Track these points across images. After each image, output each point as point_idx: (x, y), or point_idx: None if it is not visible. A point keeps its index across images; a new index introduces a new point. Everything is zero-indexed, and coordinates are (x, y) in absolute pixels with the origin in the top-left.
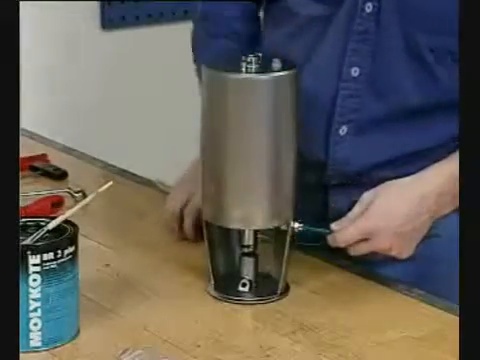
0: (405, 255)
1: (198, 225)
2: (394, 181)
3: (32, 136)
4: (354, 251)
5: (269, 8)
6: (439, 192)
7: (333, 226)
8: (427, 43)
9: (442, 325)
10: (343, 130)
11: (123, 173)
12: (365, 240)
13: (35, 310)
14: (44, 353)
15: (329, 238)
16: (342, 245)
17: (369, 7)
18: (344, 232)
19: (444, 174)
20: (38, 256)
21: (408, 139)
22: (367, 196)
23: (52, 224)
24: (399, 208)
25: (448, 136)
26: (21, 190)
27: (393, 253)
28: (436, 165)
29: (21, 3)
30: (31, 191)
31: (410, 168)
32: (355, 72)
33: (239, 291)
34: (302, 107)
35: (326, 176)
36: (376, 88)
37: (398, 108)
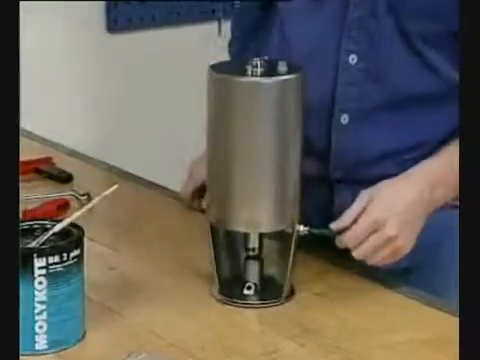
0: (408, 246)
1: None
2: (390, 179)
3: (37, 139)
4: (362, 251)
5: None
6: (432, 185)
7: (332, 226)
8: (417, 30)
9: (447, 328)
10: (345, 119)
11: (128, 176)
12: (373, 233)
13: (41, 313)
14: (50, 356)
15: (337, 241)
16: (353, 243)
17: None
18: (353, 230)
19: (433, 170)
20: (44, 259)
21: (409, 131)
22: (366, 193)
23: (58, 227)
24: (401, 198)
25: (448, 130)
26: (27, 193)
27: (399, 242)
28: (426, 162)
29: (27, 6)
30: (37, 194)
31: (411, 162)
32: (353, 60)
33: (244, 294)
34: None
35: (329, 168)
36: (375, 76)
37: (397, 97)
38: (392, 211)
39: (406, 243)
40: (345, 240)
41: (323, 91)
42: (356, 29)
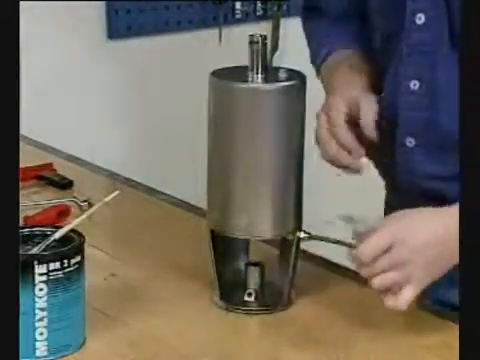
0: (417, 278)
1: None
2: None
3: (37, 145)
4: (374, 269)
5: None
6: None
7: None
8: None
9: (449, 335)
10: (411, 142)
11: (129, 182)
12: (386, 253)
13: (41, 319)
14: None
15: (352, 256)
16: (367, 258)
17: (420, 18)
18: (366, 243)
19: None
20: (44, 265)
21: None
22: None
23: (58, 233)
24: (422, 227)
25: None
26: (28, 199)
27: (407, 270)
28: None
29: (27, 11)
30: (37, 200)
31: None
32: (414, 85)
33: (245, 301)
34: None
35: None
36: (439, 99)
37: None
38: (411, 234)
39: (418, 273)
40: (361, 252)
41: (389, 113)
42: (416, 54)
